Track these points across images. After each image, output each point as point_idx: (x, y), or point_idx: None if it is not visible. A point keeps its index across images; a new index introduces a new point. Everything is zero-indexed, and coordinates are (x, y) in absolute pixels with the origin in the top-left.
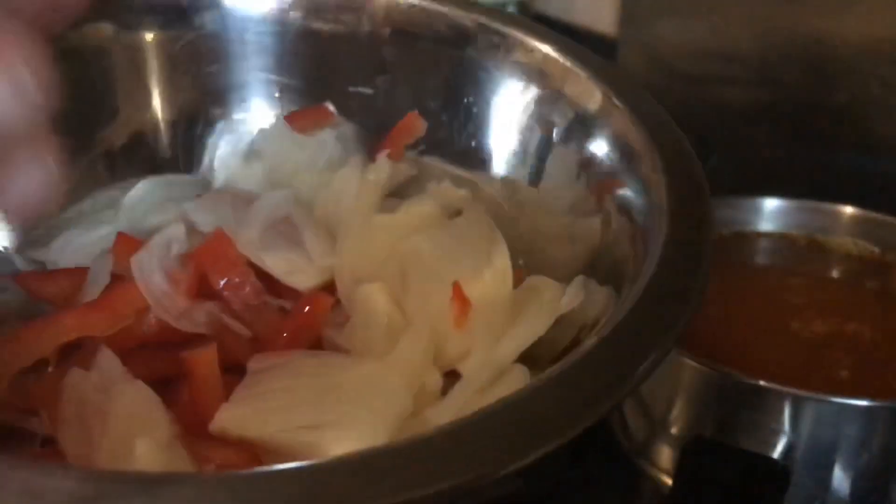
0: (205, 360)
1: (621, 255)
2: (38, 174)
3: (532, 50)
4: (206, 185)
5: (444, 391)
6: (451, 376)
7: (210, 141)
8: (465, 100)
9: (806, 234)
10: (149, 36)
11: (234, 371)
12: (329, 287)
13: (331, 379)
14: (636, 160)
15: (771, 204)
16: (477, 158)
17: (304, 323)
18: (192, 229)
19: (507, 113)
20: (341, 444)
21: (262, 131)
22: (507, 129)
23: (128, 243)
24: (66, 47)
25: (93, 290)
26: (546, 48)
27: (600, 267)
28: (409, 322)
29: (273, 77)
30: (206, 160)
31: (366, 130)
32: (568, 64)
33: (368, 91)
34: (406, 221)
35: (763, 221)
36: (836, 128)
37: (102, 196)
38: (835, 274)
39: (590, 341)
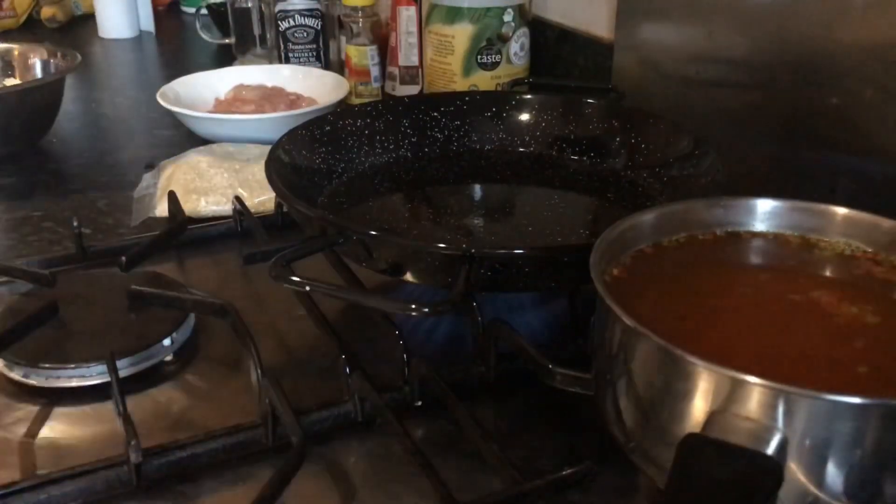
0: None
1: None
2: None
3: None
4: None
5: None
6: None
7: None
8: None
9: (799, 235)
10: None
11: None
12: None
13: None
14: None
15: (764, 204)
16: None
17: None
18: None
19: None
20: None
21: None
22: None
23: None
24: None
25: None
26: None
27: None
28: None
29: None
30: None
31: None
32: None
33: None
34: None
35: (756, 222)
36: (829, 130)
37: None
38: (829, 273)
39: None
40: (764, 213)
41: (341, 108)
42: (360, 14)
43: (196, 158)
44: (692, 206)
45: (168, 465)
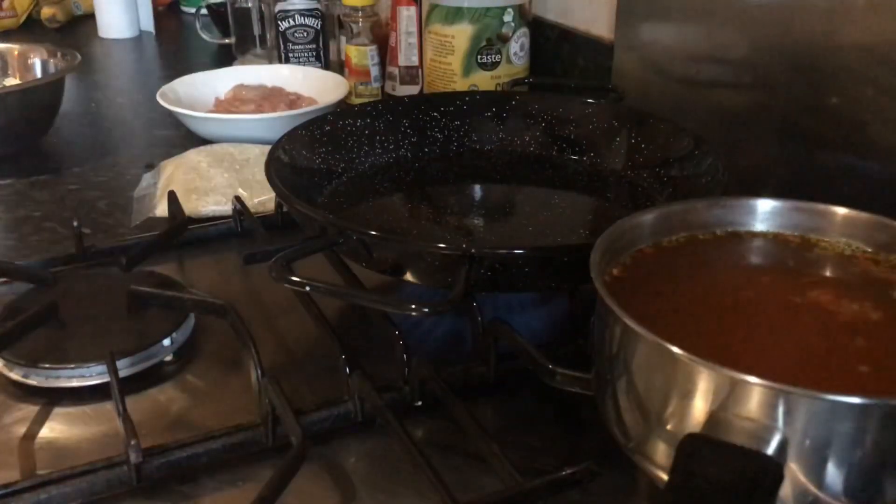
0: None
1: None
2: None
3: None
4: None
5: None
6: None
7: None
8: None
9: (799, 235)
10: None
11: None
12: None
13: None
14: None
15: (764, 204)
16: None
17: None
18: None
19: None
20: None
21: None
22: None
23: None
24: None
25: None
26: None
27: None
28: None
29: None
30: None
31: None
32: None
33: None
34: None
35: (756, 222)
36: (829, 129)
37: None
38: (829, 273)
39: None
40: (764, 213)
41: (341, 108)
42: (360, 14)
43: (196, 158)
44: (692, 206)
45: (168, 465)
